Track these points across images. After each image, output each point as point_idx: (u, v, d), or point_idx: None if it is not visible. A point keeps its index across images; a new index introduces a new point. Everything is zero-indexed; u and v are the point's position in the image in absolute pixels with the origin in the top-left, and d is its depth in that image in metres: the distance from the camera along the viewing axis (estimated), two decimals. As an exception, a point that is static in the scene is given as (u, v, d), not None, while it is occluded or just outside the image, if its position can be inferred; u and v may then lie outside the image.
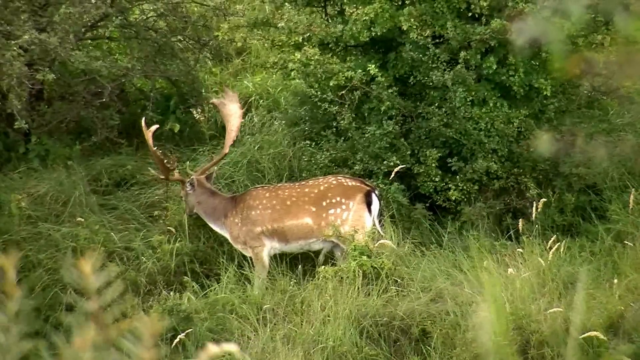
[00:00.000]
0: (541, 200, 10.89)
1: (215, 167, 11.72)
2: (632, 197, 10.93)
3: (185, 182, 11.39)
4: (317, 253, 11.21)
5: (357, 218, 11.00)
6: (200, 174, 11.45)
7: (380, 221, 11.04)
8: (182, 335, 9.21)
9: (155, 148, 11.28)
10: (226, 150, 11.54)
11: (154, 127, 11.30)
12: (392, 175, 11.61)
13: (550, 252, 9.80)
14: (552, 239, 10.06)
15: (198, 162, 12.91)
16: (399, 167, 11.62)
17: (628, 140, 12.34)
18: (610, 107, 13.26)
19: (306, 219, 11.07)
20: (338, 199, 11.02)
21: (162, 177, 11.45)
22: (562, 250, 10.03)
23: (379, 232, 10.91)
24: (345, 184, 11.14)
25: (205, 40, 13.96)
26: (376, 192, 11.14)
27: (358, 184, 11.16)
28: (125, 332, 3.10)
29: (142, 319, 3.09)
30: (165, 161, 11.29)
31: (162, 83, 14.28)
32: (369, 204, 11.02)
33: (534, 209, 10.70)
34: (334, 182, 11.16)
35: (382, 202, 11.17)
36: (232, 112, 11.53)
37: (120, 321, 3.14)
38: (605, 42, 11.81)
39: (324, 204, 11.05)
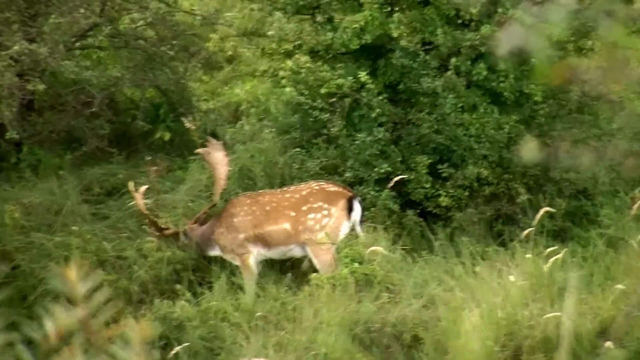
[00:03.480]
0: (543, 209, 10.77)
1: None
2: (636, 205, 10.90)
3: (179, 234, 11.42)
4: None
5: (335, 225, 10.99)
6: (192, 223, 11.48)
7: (361, 227, 11.04)
8: (178, 348, 9.19)
9: (148, 212, 11.31)
10: (216, 199, 11.56)
11: (143, 188, 11.30)
12: (391, 184, 11.60)
13: (551, 260, 9.77)
14: (551, 249, 10.03)
15: (189, 170, 12.92)
16: (398, 177, 11.61)
17: (619, 145, 12.35)
18: (600, 112, 13.27)
19: (285, 224, 11.07)
20: (320, 204, 11.01)
21: (157, 235, 11.45)
22: (560, 257, 9.99)
23: (360, 235, 10.91)
24: (327, 189, 11.13)
25: (194, 50, 13.96)
26: (358, 198, 11.14)
27: (340, 190, 11.16)
28: (115, 338, 3.10)
29: (132, 325, 3.09)
30: (157, 222, 11.34)
31: (152, 92, 14.27)
32: (349, 211, 11.02)
33: (537, 216, 10.61)
34: (316, 187, 11.16)
35: (363, 209, 11.16)
36: (219, 161, 11.54)
37: (110, 327, 3.14)
38: (595, 47, 11.85)
39: (304, 208, 11.03)
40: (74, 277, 3.08)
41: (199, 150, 11.90)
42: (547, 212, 10.89)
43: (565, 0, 3.89)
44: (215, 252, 11.39)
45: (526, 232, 10.48)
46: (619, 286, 9.41)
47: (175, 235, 11.42)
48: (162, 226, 11.35)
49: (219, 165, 11.52)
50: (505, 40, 3.85)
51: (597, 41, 11.87)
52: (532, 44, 3.71)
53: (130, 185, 11.32)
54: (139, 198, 11.19)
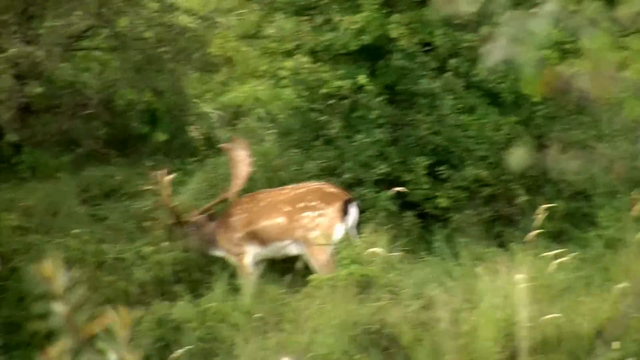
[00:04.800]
0: (542, 206, 10.77)
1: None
2: (636, 206, 10.87)
3: (189, 224, 11.38)
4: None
5: (328, 226, 10.97)
6: (200, 213, 11.47)
7: (357, 232, 11.02)
8: (181, 351, 9.14)
9: (174, 201, 11.32)
10: (230, 194, 11.48)
11: (169, 177, 11.25)
12: (393, 191, 11.59)
13: (555, 262, 9.75)
14: (554, 252, 10.00)
15: (189, 173, 12.91)
16: (398, 189, 11.59)
17: (618, 146, 12.34)
18: (600, 113, 13.26)
19: (279, 219, 11.06)
20: (316, 203, 11.00)
21: (173, 222, 11.43)
22: (565, 260, 9.97)
23: (354, 240, 10.88)
24: (325, 190, 11.13)
25: (191, 51, 13.92)
26: (355, 202, 11.11)
27: (338, 192, 11.14)
28: (100, 333, 3.08)
29: (111, 315, 3.06)
30: (179, 212, 11.35)
31: (149, 94, 14.24)
32: (344, 214, 10.99)
33: (538, 217, 10.59)
34: (315, 187, 11.16)
35: (359, 214, 11.12)
36: (241, 159, 11.48)
37: (93, 322, 3.11)
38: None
39: (301, 205, 11.03)
40: (50, 273, 3.06)
41: (224, 145, 11.86)
42: (546, 210, 10.89)
43: (549, 7, 3.89)
44: (216, 252, 11.38)
45: (531, 234, 10.40)
46: (619, 286, 9.42)
47: (185, 224, 11.39)
48: (182, 212, 11.35)
49: (241, 164, 11.48)
50: (490, 53, 3.84)
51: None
52: (518, 56, 3.72)
53: (157, 174, 11.26)
54: (166, 186, 11.16)
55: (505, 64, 4.01)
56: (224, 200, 11.64)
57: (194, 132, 12.90)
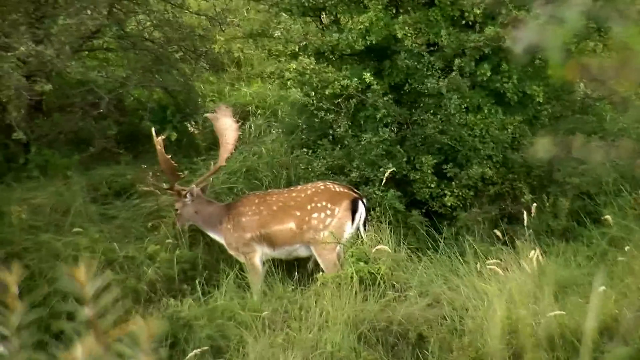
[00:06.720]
0: (534, 205, 10.93)
1: (210, 179, 11.81)
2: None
3: (183, 193, 11.44)
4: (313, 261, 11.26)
5: (339, 225, 11.02)
6: (197, 185, 11.53)
7: (365, 228, 11.08)
8: (196, 352, 9.16)
9: (170, 156, 11.36)
10: (222, 162, 11.57)
11: (161, 137, 11.34)
12: (384, 182, 11.65)
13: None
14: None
15: (196, 171, 12.95)
16: (389, 171, 11.68)
17: (623, 145, 12.36)
18: (605, 112, 13.30)
19: (290, 224, 11.12)
20: (324, 203, 11.03)
21: (167, 186, 11.51)
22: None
23: (362, 237, 10.95)
24: (333, 189, 11.18)
25: (201, 51, 14.01)
26: (363, 200, 11.18)
27: (346, 191, 11.19)
28: (122, 337, 3.14)
29: (140, 323, 3.13)
30: (176, 170, 11.41)
31: (159, 93, 14.32)
32: (354, 212, 11.05)
33: (531, 213, 10.72)
34: (322, 187, 11.20)
35: (368, 210, 11.19)
36: (227, 126, 11.56)
37: (118, 327, 3.18)
38: (597, 49, 11.90)
39: (309, 207, 11.08)
40: (83, 277, 3.13)
41: (208, 114, 11.96)
42: (547, 211, 10.99)
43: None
44: (217, 237, 11.44)
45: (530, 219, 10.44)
46: (622, 284, 9.47)
47: (178, 194, 11.47)
48: (180, 176, 11.42)
49: (228, 130, 11.56)
50: (521, 38, 3.94)
51: (599, 43, 11.93)
52: (547, 41, 3.82)
53: (152, 130, 11.39)
54: (160, 145, 11.23)
55: (533, 50, 4.11)
56: (218, 170, 11.78)
57: (193, 128, 12.95)
